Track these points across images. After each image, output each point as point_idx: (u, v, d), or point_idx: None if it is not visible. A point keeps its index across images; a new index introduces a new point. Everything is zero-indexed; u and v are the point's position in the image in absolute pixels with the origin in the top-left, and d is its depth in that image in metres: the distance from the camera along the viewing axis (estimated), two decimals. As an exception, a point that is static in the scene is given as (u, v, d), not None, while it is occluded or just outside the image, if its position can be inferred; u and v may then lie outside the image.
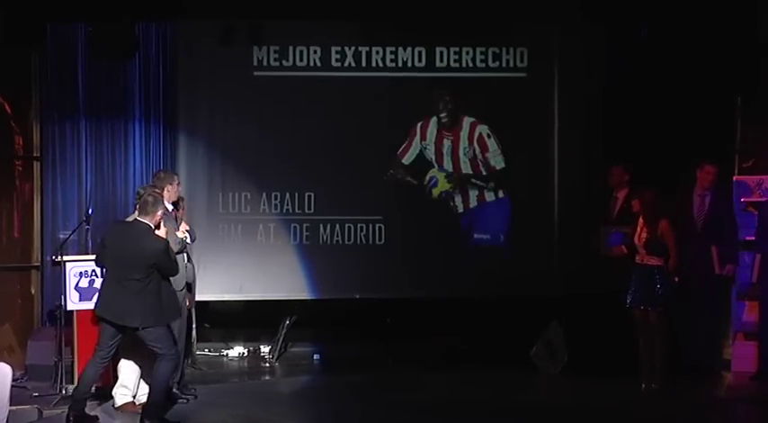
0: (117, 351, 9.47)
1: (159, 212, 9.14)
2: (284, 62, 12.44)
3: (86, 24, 12.06)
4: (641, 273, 10.46)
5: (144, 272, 8.96)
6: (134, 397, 9.72)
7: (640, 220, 10.51)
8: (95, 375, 9.32)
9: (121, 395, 9.70)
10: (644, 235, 10.42)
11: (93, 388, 9.60)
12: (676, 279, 10.39)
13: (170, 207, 10.15)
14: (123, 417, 9.58)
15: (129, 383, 9.69)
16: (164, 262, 9.04)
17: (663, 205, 10.45)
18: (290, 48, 12.42)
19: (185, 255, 10.18)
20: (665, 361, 10.45)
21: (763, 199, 11.22)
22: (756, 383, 10.88)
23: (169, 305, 9.23)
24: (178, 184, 10.27)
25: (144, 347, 9.39)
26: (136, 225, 9.16)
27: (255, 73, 12.41)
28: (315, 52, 12.43)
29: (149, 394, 9.25)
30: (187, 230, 10.16)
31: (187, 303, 10.34)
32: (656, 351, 10.45)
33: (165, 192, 10.05)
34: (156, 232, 9.13)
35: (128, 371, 9.68)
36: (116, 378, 9.84)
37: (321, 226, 12.52)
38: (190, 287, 10.38)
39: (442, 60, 12.54)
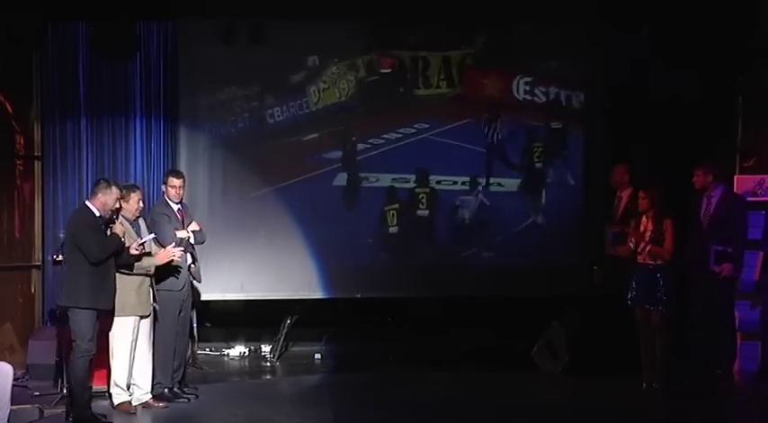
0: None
1: (99, 196, 9.21)
2: (280, 64, 12.51)
3: (87, 24, 12.08)
4: (643, 272, 10.47)
5: (71, 249, 9.14)
6: (130, 395, 9.74)
7: (644, 218, 10.51)
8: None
9: (117, 395, 9.72)
10: (650, 227, 10.42)
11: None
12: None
13: (175, 207, 10.24)
14: (120, 416, 9.57)
15: (120, 381, 9.68)
16: (78, 240, 9.10)
17: (668, 204, 10.48)
18: (287, 50, 12.47)
19: (190, 255, 10.21)
20: (666, 360, 10.47)
21: (766, 199, 11.29)
22: (759, 382, 10.93)
23: (100, 293, 9.22)
24: (180, 185, 10.26)
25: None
26: (79, 207, 9.48)
27: (253, 73, 12.51)
28: (310, 54, 12.55)
29: (71, 396, 9.33)
30: (194, 231, 10.20)
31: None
32: (657, 350, 10.47)
33: (166, 190, 10.22)
34: (114, 227, 9.24)
35: (117, 368, 9.69)
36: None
37: (323, 225, 12.54)
38: (192, 288, 10.44)
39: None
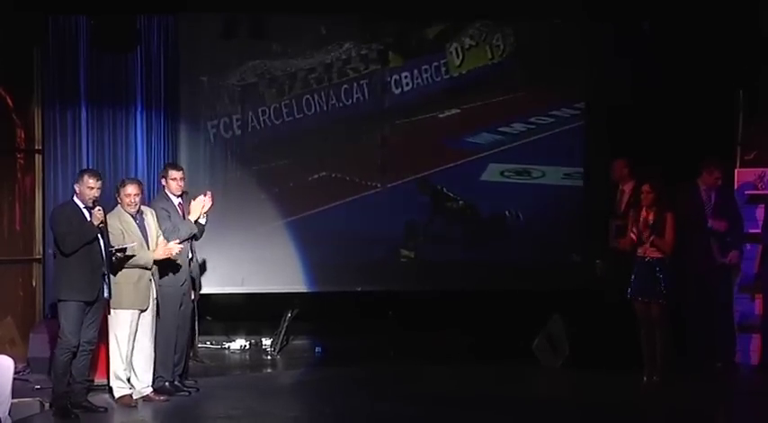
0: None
1: (76, 186, 9.31)
2: (280, 58, 12.50)
3: (88, 18, 12.10)
4: (643, 265, 10.52)
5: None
6: (131, 388, 9.76)
7: (644, 210, 10.53)
8: (77, 363, 9.37)
9: (118, 388, 9.75)
10: (651, 218, 10.45)
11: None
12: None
13: (176, 200, 10.21)
14: (121, 409, 9.61)
15: (119, 374, 9.71)
16: (54, 232, 9.33)
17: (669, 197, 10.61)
18: (287, 44, 12.50)
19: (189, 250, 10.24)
20: (667, 353, 10.52)
21: (765, 192, 11.36)
22: (759, 375, 11.00)
23: (84, 285, 9.26)
24: (181, 178, 10.26)
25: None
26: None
27: (256, 65, 12.48)
28: (310, 48, 12.50)
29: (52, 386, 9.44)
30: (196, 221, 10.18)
31: (192, 296, 10.40)
32: (657, 343, 10.52)
33: (166, 185, 10.21)
34: (94, 212, 9.24)
35: (115, 361, 9.73)
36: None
37: (323, 218, 12.57)
38: (194, 281, 10.42)
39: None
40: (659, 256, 10.44)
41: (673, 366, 10.57)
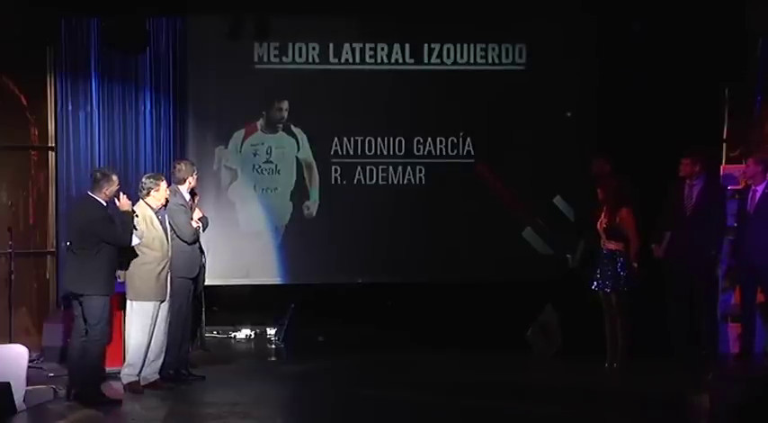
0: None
1: (105, 188, 9.37)
2: (284, 58, 12.78)
3: (99, 19, 12.34)
4: (604, 257, 10.83)
5: (89, 241, 9.32)
6: (139, 375, 9.85)
7: (604, 207, 10.85)
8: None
9: (127, 375, 9.84)
10: (605, 221, 10.78)
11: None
12: (635, 264, 10.69)
13: (187, 197, 10.36)
14: (129, 396, 9.69)
15: (135, 362, 9.83)
16: (100, 230, 9.28)
17: (627, 194, 10.80)
18: (291, 44, 12.76)
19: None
20: (627, 340, 10.77)
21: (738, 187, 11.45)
22: (740, 363, 11.14)
23: (113, 278, 9.49)
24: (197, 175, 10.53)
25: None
26: (84, 199, 9.63)
27: (259, 66, 12.78)
28: (314, 48, 12.77)
29: (81, 379, 9.48)
30: (200, 219, 10.33)
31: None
32: (617, 331, 10.79)
33: (188, 183, 10.31)
34: (118, 204, 9.44)
35: (133, 350, 9.85)
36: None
37: (323, 215, 12.84)
38: (199, 273, 10.60)
39: (439, 56, 12.90)
40: (618, 247, 10.73)
41: (660, 355, 10.92)
